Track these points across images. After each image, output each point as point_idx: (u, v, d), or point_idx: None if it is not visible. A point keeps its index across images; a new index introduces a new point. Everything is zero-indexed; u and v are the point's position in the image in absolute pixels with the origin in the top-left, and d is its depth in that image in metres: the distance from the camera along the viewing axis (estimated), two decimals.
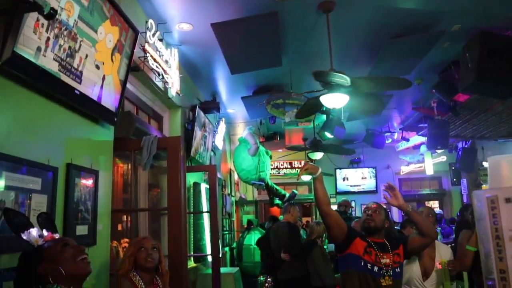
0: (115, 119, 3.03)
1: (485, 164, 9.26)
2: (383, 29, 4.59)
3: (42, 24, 2.06)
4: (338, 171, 11.72)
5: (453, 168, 10.43)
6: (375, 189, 11.69)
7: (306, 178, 2.66)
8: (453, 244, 4.46)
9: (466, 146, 9.56)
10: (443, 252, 3.11)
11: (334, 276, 4.69)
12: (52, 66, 2.19)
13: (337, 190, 11.57)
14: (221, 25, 4.28)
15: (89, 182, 2.72)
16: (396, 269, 2.72)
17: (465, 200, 10.33)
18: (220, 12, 4.12)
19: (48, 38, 2.12)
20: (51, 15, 1.95)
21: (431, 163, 9.76)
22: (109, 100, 2.90)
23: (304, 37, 4.79)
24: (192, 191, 5.35)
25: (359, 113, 7.39)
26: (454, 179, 10.61)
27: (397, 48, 4.82)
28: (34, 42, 2.02)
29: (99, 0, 2.60)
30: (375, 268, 2.67)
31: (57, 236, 1.74)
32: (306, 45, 4.98)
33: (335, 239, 2.89)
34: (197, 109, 5.41)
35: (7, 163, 1.94)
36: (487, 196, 1.02)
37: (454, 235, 6.47)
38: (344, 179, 11.84)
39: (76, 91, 2.45)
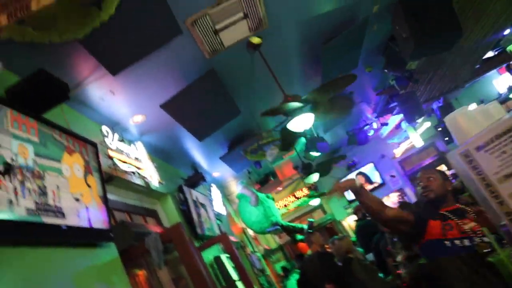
0: (111, 235, 2.99)
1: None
2: (314, 39, 4.74)
3: (4, 177, 2.05)
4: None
5: (439, 129, 10.50)
6: (382, 182, 11.63)
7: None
8: None
9: (441, 105, 9.69)
10: None
11: (385, 283, 4.58)
12: (28, 213, 2.16)
13: (348, 199, 11.47)
14: (169, 103, 4.37)
15: None
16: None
17: None
18: (164, 91, 4.22)
19: (15, 188, 2.11)
20: (7, 170, 1.95)
21: (416, 135, 9.80)
22: (99, 220, 2.87)
23: (248, 79, 4.89)
24: (215, 265, 5.23)
25: (332, 121, 7.49)
26: (446, 138, 10.63)
27: (334, 49, 4.96)
28: (3, 196, 2.01)
29: (47, 131, 2.63)
30: (466, 241, 2.25)
31: None
32: (254, 85, 5.08)
33: (408, 236, 2.57)
34: (184, 187, 5.39)
35: None
36: (460, 153, 1.04)
37: None
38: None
39: (63, 227, 2.42)
